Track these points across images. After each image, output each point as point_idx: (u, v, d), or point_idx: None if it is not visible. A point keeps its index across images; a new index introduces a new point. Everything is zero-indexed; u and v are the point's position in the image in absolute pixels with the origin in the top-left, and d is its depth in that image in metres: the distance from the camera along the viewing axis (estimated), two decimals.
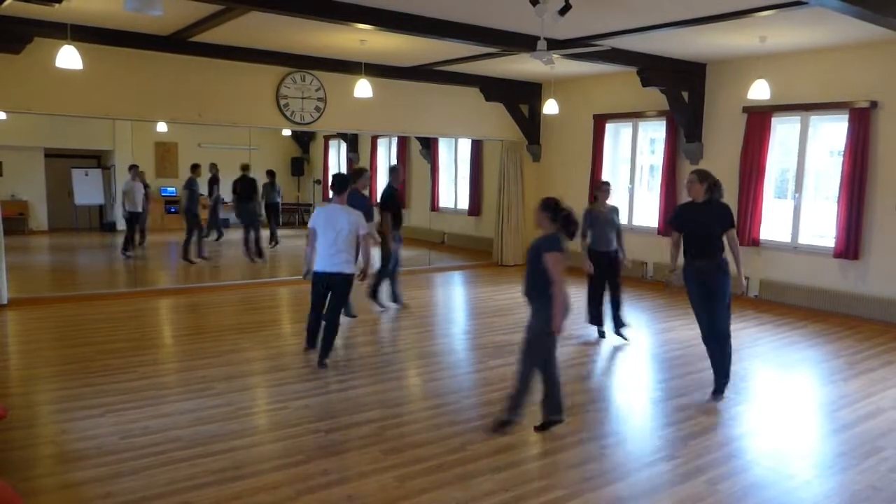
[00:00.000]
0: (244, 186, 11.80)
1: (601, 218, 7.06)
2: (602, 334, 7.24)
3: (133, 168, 12.02)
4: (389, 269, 8.16)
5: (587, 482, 3.94)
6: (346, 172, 7.47)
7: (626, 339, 7.13)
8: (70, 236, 14.30)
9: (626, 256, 7.23)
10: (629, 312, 7.59)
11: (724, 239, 5.28)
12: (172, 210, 14.51)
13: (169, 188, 14.75)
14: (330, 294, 5.99)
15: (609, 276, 7.11)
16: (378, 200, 8.17)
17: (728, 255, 5.26)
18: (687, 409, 5.15)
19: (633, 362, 6.63)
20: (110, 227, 14.55)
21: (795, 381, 6.17)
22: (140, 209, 11.88)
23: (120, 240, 12.30)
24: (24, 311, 7.99)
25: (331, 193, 6.10)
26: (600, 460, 4.26)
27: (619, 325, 7.16)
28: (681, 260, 5.50)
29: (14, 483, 3.62)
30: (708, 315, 5.31)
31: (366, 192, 7.72)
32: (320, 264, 5.92)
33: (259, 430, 4.65)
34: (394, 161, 14.74)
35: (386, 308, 8.25)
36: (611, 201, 7.28)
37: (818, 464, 4.34)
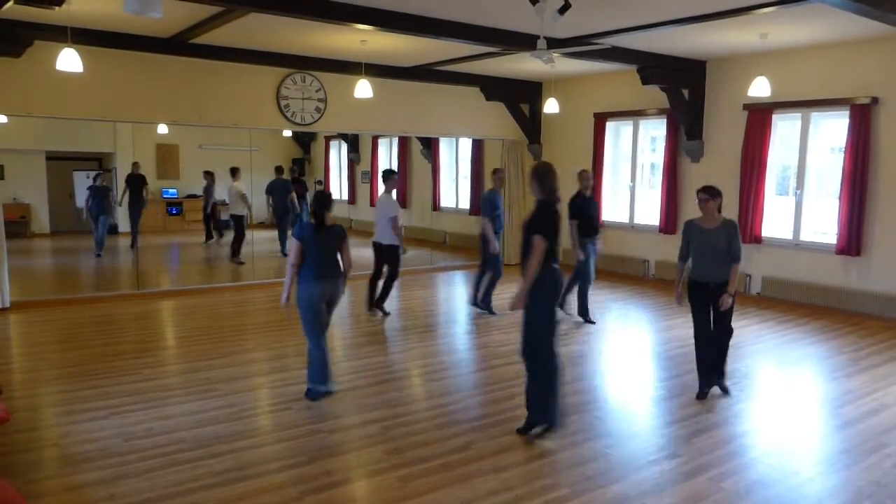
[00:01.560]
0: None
1: (705, 237, 5.24)
2: (703, 395, 5.36)
3: (235, 171, 11.88)
4: (581, 281, 7.77)
5: (590, 481, 3.94)
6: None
7: (727, 393, 5.47)
8: (72, 239, 14.30)
9: (733, 292, 5.16)
10: (632, 311, 7.55)
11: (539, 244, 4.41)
12: (174, 211, 14.52)
13: (170, 189, 14.76)
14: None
15: (714, 316, 5.32)
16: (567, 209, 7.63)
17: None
18: (689, 407, 5.15)
19: (635, 361, 6.63)
20: (113, 230, 14.55)
21: (798, 377, 6.16)
22: (244, 212, 11.80)
23: (121, 242, 12.31)
24: (27, 314, 8.00)
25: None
26: (603, 459, 4.26)
27: (717, 378, 5.48)
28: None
29: (18, 485, 3.63)
30: None
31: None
32: (375, 236, 8.02)
33: (262, 432, 4.65)
34: (394, 164, 14.75)
35: (571, 315, 7.95)
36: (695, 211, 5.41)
37: (822, 461, 4.34)
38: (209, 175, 13.09)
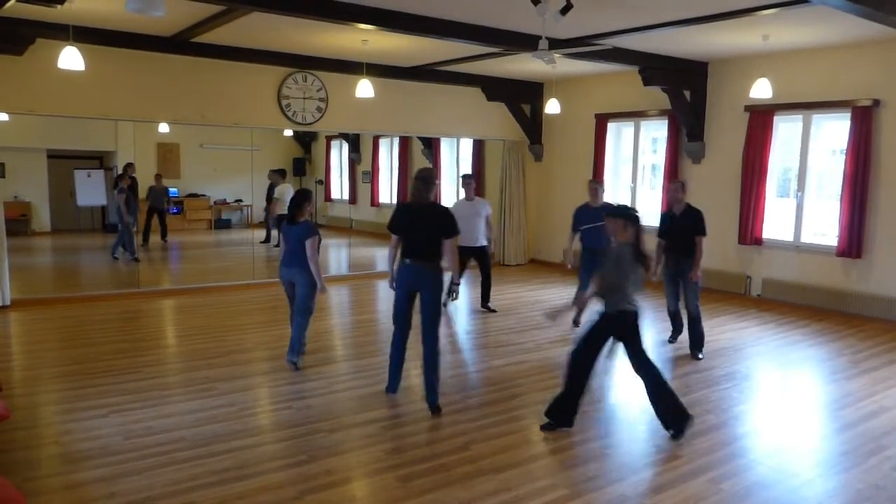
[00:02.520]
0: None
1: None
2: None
3: (284, 172, 11.94)
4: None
5: (590, 482, 3.94)
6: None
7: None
8: (73, 237, 14.31)
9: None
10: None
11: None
12: (174, 211, 14.53)
13: (171, 189, 14.75)
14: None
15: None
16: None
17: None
18: (689, 409, 5.13)
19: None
20: (113, 229, 14.55)
21: (798, 379, 6.16)
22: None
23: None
24: (27, 312, 8.01)
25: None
26: (603, 460, 4.26)
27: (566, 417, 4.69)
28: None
29: (18, 483, 3.62)
30: None
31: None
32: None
33: (262, 430, 4.65)
34: (394, 164, 14.74)
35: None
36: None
37: (821, 463, 4.34)
38: (158, 177, 13.13)
